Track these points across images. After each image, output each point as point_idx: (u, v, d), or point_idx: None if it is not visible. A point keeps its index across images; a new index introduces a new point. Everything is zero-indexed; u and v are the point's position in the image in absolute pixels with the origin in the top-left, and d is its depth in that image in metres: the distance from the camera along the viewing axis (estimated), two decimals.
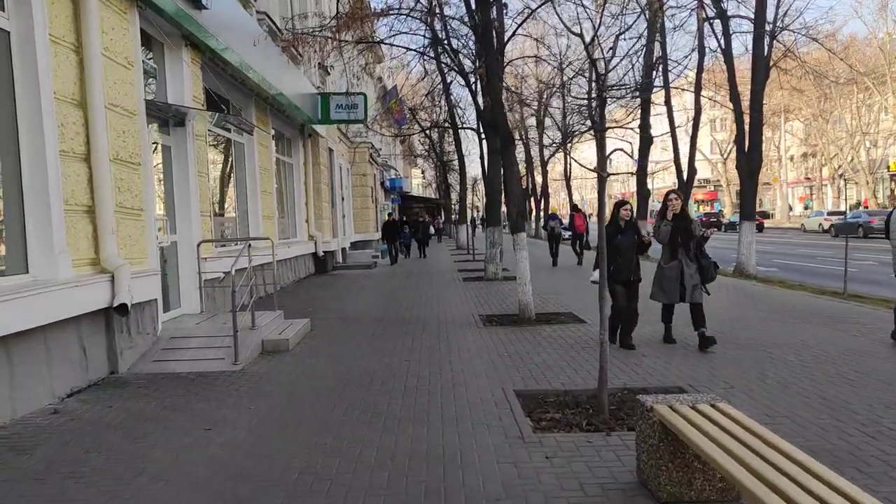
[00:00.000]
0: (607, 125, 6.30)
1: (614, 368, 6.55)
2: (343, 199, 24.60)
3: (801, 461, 3.01)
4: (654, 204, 39.37)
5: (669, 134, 22.62)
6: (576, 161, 6.04)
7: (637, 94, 16.47)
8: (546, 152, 39.64)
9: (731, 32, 17.32)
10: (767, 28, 16.12)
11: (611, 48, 5.54)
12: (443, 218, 53.01)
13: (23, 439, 5.00)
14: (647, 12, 14.41)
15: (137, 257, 7.55)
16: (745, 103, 16.86)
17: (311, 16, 15.42)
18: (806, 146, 58.60)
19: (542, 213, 39.87)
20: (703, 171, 54.60)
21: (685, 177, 21.64)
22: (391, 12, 12.88)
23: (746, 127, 16.49)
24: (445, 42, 14.81)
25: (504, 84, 14.26)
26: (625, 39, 14.49)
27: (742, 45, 54.31)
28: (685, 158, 21.03)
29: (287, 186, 17.07)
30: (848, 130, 50.64)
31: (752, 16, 16.27)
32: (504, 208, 19.66)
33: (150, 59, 8.94)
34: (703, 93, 21.62)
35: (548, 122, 35.71)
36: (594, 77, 5.70)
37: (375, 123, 25.97)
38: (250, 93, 12.91)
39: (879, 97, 47.01)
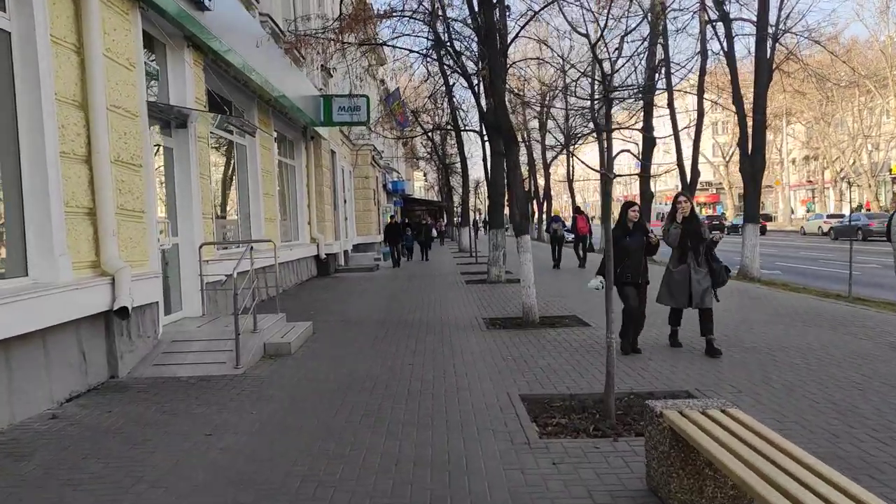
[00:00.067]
0: (606, 127, 6.24)
1: (620, 372, 6.49)
2: (345, 201, 24.55)
3: (815, 468, 2.94)
4: (658, 206, 39.39)
5: (672, 137, 22.55)
6: (581, 162, 5.97)
7: (640, 96, 16.46)
8: (549, 154, 39.59)
9: (733, 35, 17.27)
10: (770, 31, 16.06)
11: (616, 48, 5.48)
12: (445, 220, 52.94)
13: (21, 445, 4.93)
14: (649, 15, 14.37)
15: (138, 260, 7.49)
16: (748, 106, 16.79)
17: (314, 18, 15.41)
18: (808, 149, 58.53)
19: (544, 216, 39.78)
20: (705, 174, 54.43)
21: (688, 179, 21.56)
22: (394, 14, 12.82)
23: (749, 130, 16.43)
24: (448, 44, 14.76)
25: (507, 86, 14.19)
26: (628, 42, 14.44)
27: (745, 47, 54.32)
28: (688, 162, 20.94)
29: (289, 189, 17.03)
30: (850, 133, 50.59)
31: (755, 19, 16.21)
32: (507, 210, 19.61)
33: (152, 60, 8.89)
34: (706, 96, 21.55)
35: (550, 124, 35.66)
36: (600, 77, 5.63)
37: (378, 126, 25.96)
38: (253, 95, 12.86)
39: (881, 100, 46.97)
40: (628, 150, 5.71)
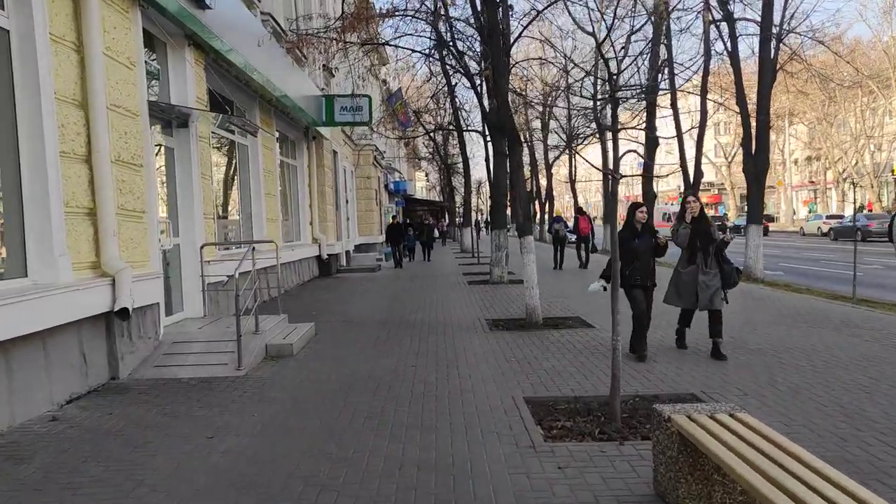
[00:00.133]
0: (611, 127, 6.18)
1: (625, 375, 6.41)
2: (347, 201, 24.50)
3: (825, 473, 2.89)
4: (660, 207, 39.24)
5: (675, 137, 22.49)
6: (587, 161, 5.90)
7: (643, 96, 16.39)
8: (551, 155, 39.52)
9: (737, 35, 17.21)
10: (774, 31, 16.00)
11: (623, 47, 5.42)
12: (447, 221, 52.90)
13: (21, 448, 4.88)
14: (653, 16, 14.31)
15: (139, 260, 7.44)
16: (752, 106, 16.71)
17: (316, 17, 15.34)
18: (810, 150, 58.39)
19: (546, 216, 39.72)
20: (707, 175, 54.19)
21: (692, 180, 21.50)
22: (396, 13, 12.77)
23: (753, 130, 16.37)
24: (451, 44, 14.71)
25: (510, 86, 14.14)
26: (633, 42, 14.37)
27: (748, 47, 54.20)
28: (691, 162, 20.88)
29: (291, 189, 16.98)
30: (852, 134, 50.49)
31: (759, 19, 16.15)
32: (509, 211, 19.55)
33: (152, 59, 8.84)
34: (710, 96, 21.49)
35: (553, 124, 35.59)
36: (607, 77, 5.57)
37: (380, 126, 25.90)
38: (254, 94, 12.81)
39: (884, 100, 46.85)
40: (635, 151, 5.64)
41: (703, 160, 23.26)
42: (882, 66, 45.41)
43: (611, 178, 5.23)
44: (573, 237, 23.17)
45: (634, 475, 4.14)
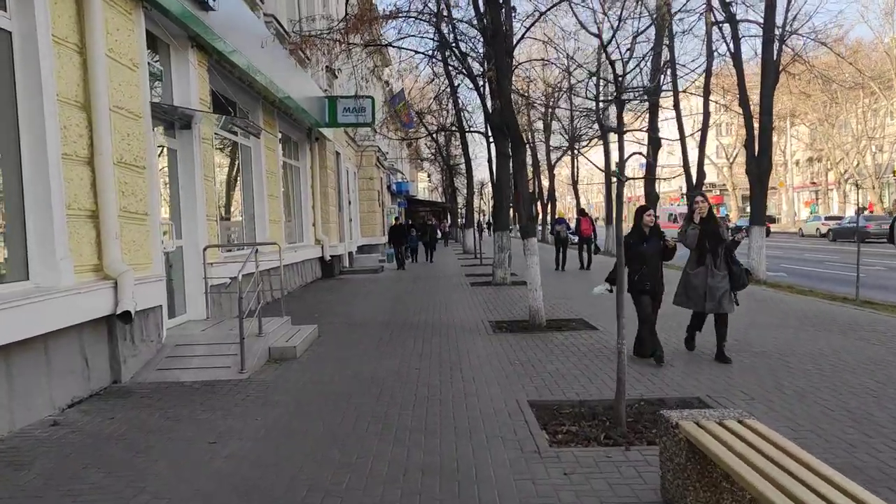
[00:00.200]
0: (615, 128, 6.14)
1: (630, 378, 6.37)
2: (350, 202, 24.47)
3: (835, 481, 2.85)
4: (663, 207, 39.15)
5: (678, 138, 22.44)
6: (591, 162, 5.85)
7: (646, 97, 16.35)
8: (553, 156, 39.48)
9: (740, 36, 17.16)
10: (777, 32, 15.95)
11: (628, 49, 5.38)
12: (449, 222, 52.85)
13: (21, 453, 4.84)
14: (655, 17, 14.26)
15: (142, 263, 7.41)
16: (754, 107, 16.65)
17: (319, 18, 15.33)
18: (811, 151, 58.28)
19: (548, 218, 39.67)
20: (708, 176, 54.14)
21: (694, 181, 21.45)
22: (399, 15, 12.73)
23: (756, 132, 16.32)
24: (453, 45, 14.68)
25: (513, 87, 14.11)
26: (638, 43, 14.33)
27: (751, 49, 54.06)
28: (693, 163, 20.84)
29: (294, 190, 16.95)
30: (854, 135, 50.41)
31: (761, 20, 16.11)
32: (512, 212, 19.51)
33: (155, 60, 8.81)
34: (712, 97, 21.45)
35: (555, 125, 35.54)
36: (612, 78, 5.53)
37: (383, 127, 25.88)
38: (258, 96, 12.78)
39: (885, 102, 46.76)
40: (640, 153, 5.61)
41: (705, 161, 23.20)
42: (883, 68, 45.34)
43: (616, 180, 5.20)
44: (575, 238, 23.15)
45: (641, 481, 4.09)
